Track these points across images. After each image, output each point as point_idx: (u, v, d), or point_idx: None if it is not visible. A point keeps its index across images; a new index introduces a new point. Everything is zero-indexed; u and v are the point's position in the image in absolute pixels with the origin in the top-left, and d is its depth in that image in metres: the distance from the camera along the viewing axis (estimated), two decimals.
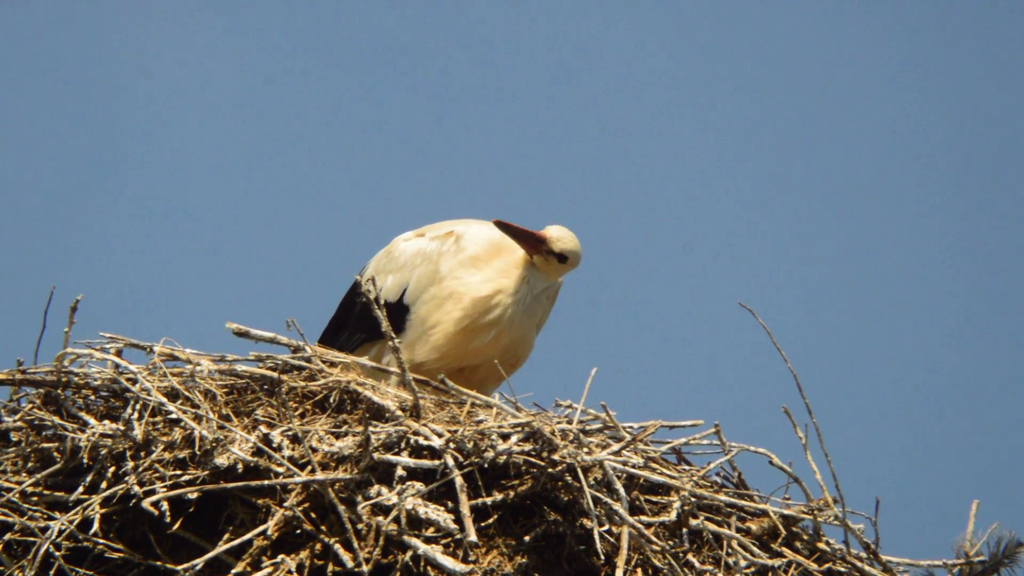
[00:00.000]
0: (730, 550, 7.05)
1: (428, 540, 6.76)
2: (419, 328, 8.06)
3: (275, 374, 7.24)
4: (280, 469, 6.90)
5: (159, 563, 6.88)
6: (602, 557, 6.85)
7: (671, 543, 6.99)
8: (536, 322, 8.17)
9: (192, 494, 6.86)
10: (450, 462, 6.86)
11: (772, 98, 15.24)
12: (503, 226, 8.01)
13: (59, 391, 7.18)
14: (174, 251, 14.11)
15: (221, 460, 6.91)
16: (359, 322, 8.14)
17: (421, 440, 6.96)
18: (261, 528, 6.81)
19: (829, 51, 15.44)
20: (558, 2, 15.86)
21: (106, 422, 7.10)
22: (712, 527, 7.08)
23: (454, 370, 8.09)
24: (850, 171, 14.87)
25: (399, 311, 8.12)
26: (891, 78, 15.24)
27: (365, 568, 6.73)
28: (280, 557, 6.78)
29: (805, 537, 7.25)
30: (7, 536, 6.91)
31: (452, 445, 6.92)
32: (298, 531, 6.83)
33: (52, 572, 6.86)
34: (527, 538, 6.90)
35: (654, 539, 6.94)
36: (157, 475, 6.93)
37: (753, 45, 15.34)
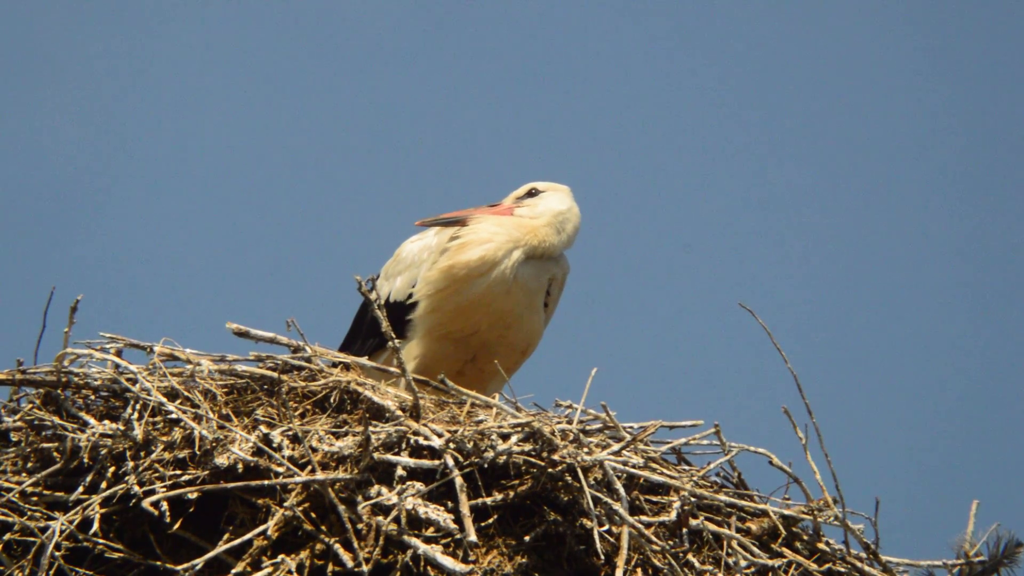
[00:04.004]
0: (730, 550, 7.05)
1: (428, 540, 6.77)
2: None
3: (275, 374, 7.24)
4: (280, 469, 6.90)
5: (159, 563, 6.88)
6: (602, 557, 6.85)
7: (671, 543, 6.99)
8: (541, 301, 8.17)
9: (192, 494, 6.86)
10: (450, 462, 6.86)
11: (772, 97, 15.24)
12: (440, 223, 8.20)
13: (59, 391, 7.18)
14: (174, 251, 14.11)
15: (221, 460, 6.91)
16: (371, 328, 8.15)
17: (421, 440, 6.96)
18: (261, 528, 6.81)
19: (830, 50, 15.44)
20: (561, 3, 15.87)
21: (106, 422, 7.10)
22: (712, 527, 7.08)
23: (464, 361, 8.10)
24: (850, 171, 14.88)
25: (409, 309, 8.13)
26: (892, 77, 15.24)
27: (365, 568, 6.73)
28: (280, 557, 6.78)
29: (805, 537, 7.25)
30: (7, 536, 6.90)
31: (452, 445, 6.92)
32: (298, 531, 6.83)
33: (52, 572, 6.85)
34: (527, 538, 6.90)
35: (654, 539, 6.94)
36: (157, 475, 6.93)
37: (754, 44, 15.34)
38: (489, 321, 8.06)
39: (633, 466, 7.09)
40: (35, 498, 6.96)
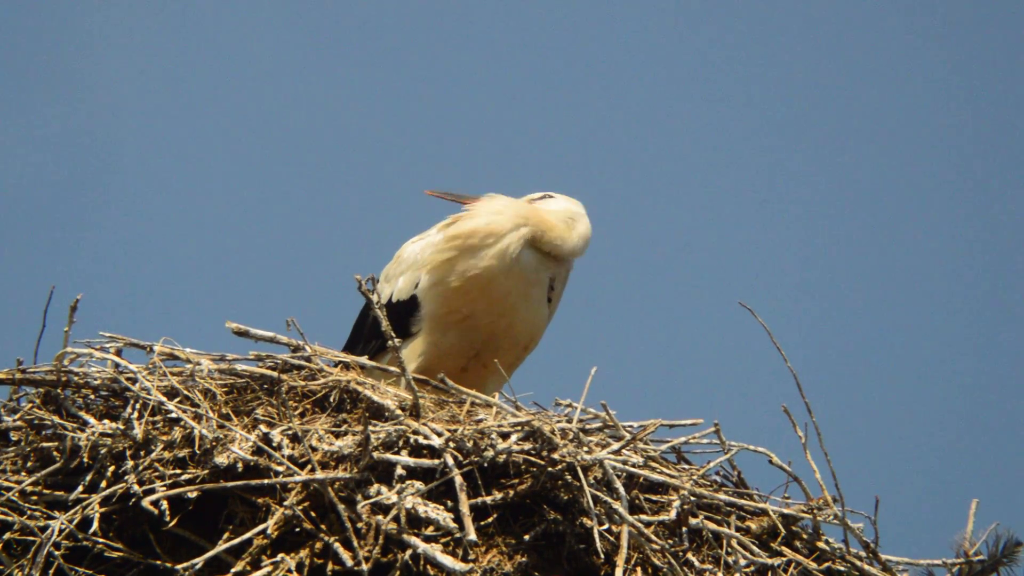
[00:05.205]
0: (730, 549, 7.05)
1: (428, 539, 6.77)
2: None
3: (275, 373, 7.24)
4: (280, 468, 6.90)
5: (159, 562, 6.88)
6: (602, 556, 6.85)
7: (671, 542, 7.00)
8: (542, 295, 8.16)
9: (192, 493, 6.86)
10: (450, 461, 6.86)
11: (773, 96, 15.24)
12: (450, 196, 8.20)
13: (59, 390, 7.18)
14: (174, 251, 14.12)
15: (221, 459, 6.91)
16: (372, 330, 8.14)
17: (421, 439, 6.96)
18: (261, 527, 6.82)
19: (831, 50, 15.44)
20: (561, 4, 15.87)
21: (106, 421, 7.10)
22: (712, 526, 7.08)
23: (468, 357, 8.09)
24: (851, 170, 14.88)
25: (413, 307, 8.13)
26: (894, 77, 15.24)
27: (365, 567, 6.73)
28: (280, 556, 6.78)
29: (805, 536, 7.25)
30: (7, 535, 6.91)
31: (452, 444, 6.92)
32: (298, 530, 6.83)
33: (52, 571, 6.85)
34: (527, 537, 6.90)
35: (654, 538, 6.94)
36: (157, 474, 6.93)
37: (755, 42, 15.34)
38: (487, 302, 8.03)
39: (633, 465, 7.09)
40: (35, 497, 6.97)
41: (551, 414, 7.17)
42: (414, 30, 15.61)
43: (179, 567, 6.77)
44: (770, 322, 7.32)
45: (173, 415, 7.04)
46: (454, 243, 8.04)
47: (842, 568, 7.22)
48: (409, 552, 6.73)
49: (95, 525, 6.85)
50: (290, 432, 7.02)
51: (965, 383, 12.96)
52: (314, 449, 6.97)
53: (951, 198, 14.61)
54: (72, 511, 6.88)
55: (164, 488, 6.87)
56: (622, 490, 6.93)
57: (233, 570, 6.78)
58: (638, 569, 6.93)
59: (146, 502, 6.82)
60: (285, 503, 6.84)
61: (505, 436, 6.98)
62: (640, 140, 15.14)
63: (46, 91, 15.07)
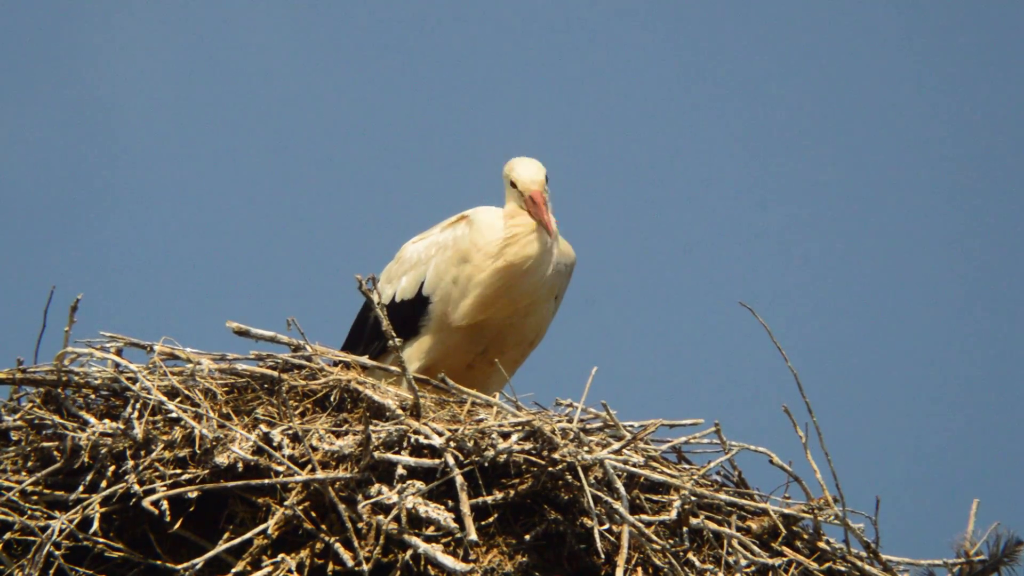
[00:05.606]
0: (730, 549, 7.05)
1: (428, 539, 6.76)
2: (446, 301, 8.02)
3: (275, 373, 7.24)
4: (280, 468, 6.90)
5: (159, 562, 6.88)
6: (602, 556, 6.85)
7: (671, 542, 6.99)
8: (554, 292, 8.14)
9: (192, 493, 6.86)
10: (450, 461, 6.86)
11: (773, 97, 15.24)
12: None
13: (59, 390, 7.18)
14: (174, 251, 14.11)
15: (221, 459, 6.91)
16: (374, 331, 8.12)
17: (421, 439, 6.96)
18: (261, 527, 6.81)
19: (831, 49, 15.45)
20: (561, 3, 15.87)
21: (106, 421, 7.10)
22: (712, 526, 7.08)
23: (475, 353, 8.07)
24: (851, 170, 14.88)
25: (418, 305, 8.10)
26: (893, 76, 15.24)
27: (365, 567, 6.73)
28: (280, 556, 6.78)
29: (805, 536, 7.25)
30: (7, 535, 6.90)
31: (452, 444, 6.92)
32: (298, 530, 6.83)
33: (52, 571, 6.85)
34: (527, 537, 6.90)
35: (654, 538, 6.94)
36: (157, 474, 6.93)
37: (755, 43, 15.35)
38: (517, 305, 8.01)
39: (633, 465, 7.09)
40: (35, 497, 6.96)
41: (552, 414, 7.17)
42: (414, 30, 15.61)
43: (179, 567, 6.77)
44: (770, 322, 7.33)
45: (173, 415, 7.04)
46: (510, 270, 7.99)
47: (843, 568, 7.22)
48: (410, 552, 6.73)
49: (95, 525, 6.85)
50: (290, 432, 7.02)
51: (965, 383, 12.96)
52: (315, 449, 6.97)
53: (952, 198, 14.61)
54: (72, 511, 6.88)
55: (164, 488, 6.87)
56: (623, 490, 6.93)
57: (233, 570, 6.78)
58: (639, 569, 6.93)
59: (146, 502, 6.82)
60: (286, 503, 6.84)
61: (506, 436, 6.97)
62: (640, 141, 15.14)
63: (47, 90, 15.07)
